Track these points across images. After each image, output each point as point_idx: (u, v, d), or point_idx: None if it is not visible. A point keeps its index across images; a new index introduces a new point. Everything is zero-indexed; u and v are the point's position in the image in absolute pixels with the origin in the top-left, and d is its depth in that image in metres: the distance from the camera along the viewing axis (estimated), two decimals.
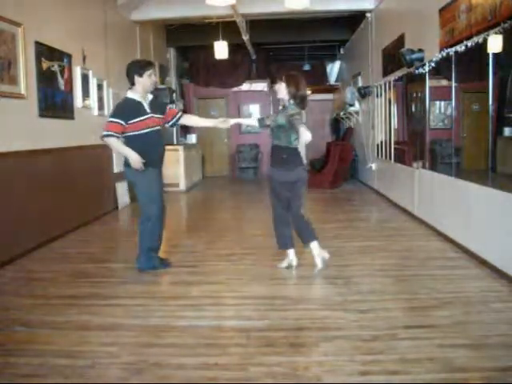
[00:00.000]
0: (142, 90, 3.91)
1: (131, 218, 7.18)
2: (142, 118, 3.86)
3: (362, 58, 9.41)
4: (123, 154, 3.90)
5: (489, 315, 3.06)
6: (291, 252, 4.08)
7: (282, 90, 3.90)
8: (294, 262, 4.07)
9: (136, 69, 3.90)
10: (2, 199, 4.37)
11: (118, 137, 3.84)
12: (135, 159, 3.81)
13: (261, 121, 4.21)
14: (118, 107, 3.97)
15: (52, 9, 5.47)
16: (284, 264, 4.09)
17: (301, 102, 3.90)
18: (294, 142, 3.87)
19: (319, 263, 3.97)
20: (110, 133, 3.80)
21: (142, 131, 3.87)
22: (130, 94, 3.93)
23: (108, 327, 2.98)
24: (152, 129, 3.92)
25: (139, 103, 3.90)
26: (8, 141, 4.51)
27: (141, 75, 3.87)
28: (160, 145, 4.07)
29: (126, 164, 3.93)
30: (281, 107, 4.04)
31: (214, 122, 4.35)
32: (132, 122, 3.83)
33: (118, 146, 3.89)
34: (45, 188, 5.11)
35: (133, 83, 3.92)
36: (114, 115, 3.87)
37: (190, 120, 4.54)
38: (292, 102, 3.87)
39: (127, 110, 3.86)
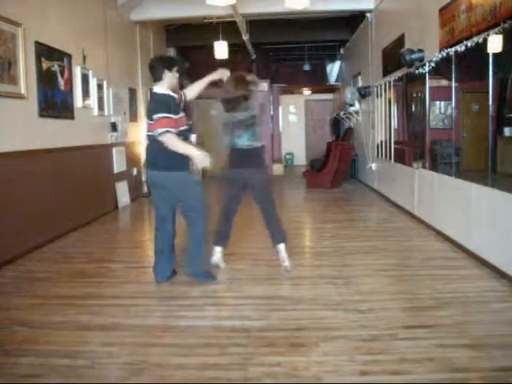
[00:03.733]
0: (168, 86, 3.61)
1: (131, 218, 7.19)
2: (179, 116, 3.58)
3: (362, 57, 9.41)
4: (187, 152, 3.51)
5: (489, 315, 3.06)
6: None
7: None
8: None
9: (166, 63, 3.63)
10: (2, 199, 4.37)
11: (175, 133, 3.48)
12: (201, 157, 3.50)
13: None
14: (161, 102, 3.55)
15: (52, 9, 5.47)
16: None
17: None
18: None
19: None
20: (165, 129, 3.44)
21: (178, 130, 3.57)
22: (161, 90, 3.59)
23: (108, 327, 2.97)
24: (184, 127, 3.66)
25: (175, 100, 3.60)
26: (8, 141, 4.51)
27: (170, 70, 3.60)
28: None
29: (174, 168, 3.56)
30: None
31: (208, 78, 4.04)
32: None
33: (179, 143, 3.49)
34: (45, 188, 5.11)
35: (159, 78, 3.59)
36: (162, 110, 3.47)
37: (191, 91, 4.09)
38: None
39: (171, 104, 3.53)
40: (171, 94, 3.63)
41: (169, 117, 3.47)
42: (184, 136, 3.65)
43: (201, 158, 3.52)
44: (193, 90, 4.08)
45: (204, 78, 4.05)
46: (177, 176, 3.61)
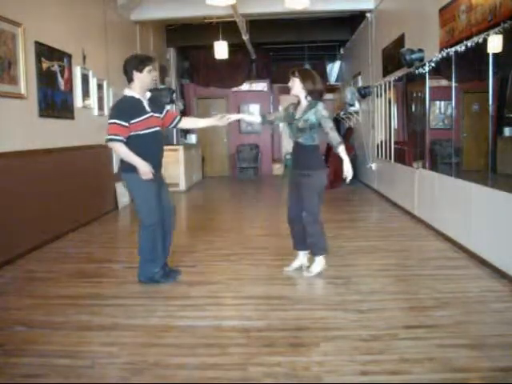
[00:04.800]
0: (140, 87, 3.58)
1: (131, 218, 7.19)
2: (143, 117, 3.54)
3: (362, 58, 9.40)
4: (129, 161, 3.54)
5: (489, 315, 3.06)
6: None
7: (297, 85, 3.80)
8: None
9: (135, 64, 3.56)
10: (2, 199, 4.36)
11: (122, 140, 3.50)
12: (144, 168, 3.50)
13: (264, 117, 4.15)
14: (117, 107, 3.66)
15: (52, 9, 5.47)
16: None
17: (319, 96, 3.82)
18: (317, 140, 3.80)
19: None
20: (112, 137, 3.49)
21: (142, 132, 3.55)
22: (129, 92, 3.59)
23: (108, 327, 2.97)
24: (152, 129, 3.61)
25: (139, 101, 3.58)
26: (8, 141, 4.51)
27: (140, 71, 3.53)
28: (160, 146, 3.81)
29: (124, 169, 3.63)
30: (291, 105, 3.95)
31: (212, 120, 4.09)
32: (133, 122, 3.51)
33: (123, 151, 3.52)
34: (45, 188, 5.10)
35: (131, 80, 3.59)
36: (114, 116, 3.52)
37: (188, 123, 4.31)
38: (310, 98, 3.78)
39: (128, 109, 3.53)
40: (136, 96, 3.59)
41: (115, 123, 3.49)
42: (156, 135, 3.68)
43: (144, 170, 3.52)
44: (193, 123, 4.38)
45: (207, 120, 4.18)
46: (127, 177, 3.67)
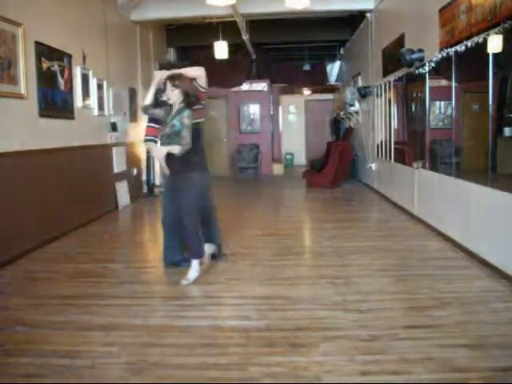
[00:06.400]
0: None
1: (131, 219, 7.19)
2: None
3: (362, 58, 9.41)
4: (156, 157, 4.20)
5: (489, 315, 3.06)
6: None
7: (176, 95, 3.71)
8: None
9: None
10: (2, 199, 4.36)
11: (155, 140, 3.94)
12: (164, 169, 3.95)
13: (147, 107, 3.97)
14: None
15: (52, 9, 5.46)
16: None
17: (196, 101, 3.78)
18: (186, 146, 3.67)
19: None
20: (147, 137, 4.05)
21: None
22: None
23: (108, 327, 2.97)
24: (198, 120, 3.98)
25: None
26: (8, 141, 4.51)
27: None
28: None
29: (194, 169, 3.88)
30: (169, 109, 3.85)
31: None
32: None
33: (152, 150, 4.16)
34: (45, 188, 5.10)
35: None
36: (149, 120, 4.06)
37: None
38: (183, 105, 3.71)
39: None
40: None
41: (147, 125, 4.06)
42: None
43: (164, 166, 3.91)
44: None
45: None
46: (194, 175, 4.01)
